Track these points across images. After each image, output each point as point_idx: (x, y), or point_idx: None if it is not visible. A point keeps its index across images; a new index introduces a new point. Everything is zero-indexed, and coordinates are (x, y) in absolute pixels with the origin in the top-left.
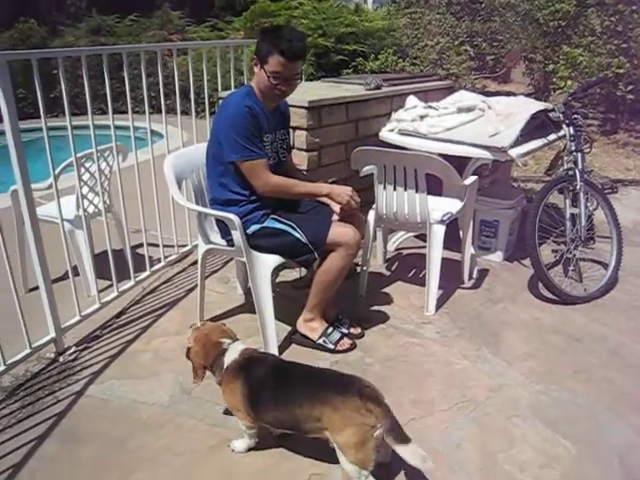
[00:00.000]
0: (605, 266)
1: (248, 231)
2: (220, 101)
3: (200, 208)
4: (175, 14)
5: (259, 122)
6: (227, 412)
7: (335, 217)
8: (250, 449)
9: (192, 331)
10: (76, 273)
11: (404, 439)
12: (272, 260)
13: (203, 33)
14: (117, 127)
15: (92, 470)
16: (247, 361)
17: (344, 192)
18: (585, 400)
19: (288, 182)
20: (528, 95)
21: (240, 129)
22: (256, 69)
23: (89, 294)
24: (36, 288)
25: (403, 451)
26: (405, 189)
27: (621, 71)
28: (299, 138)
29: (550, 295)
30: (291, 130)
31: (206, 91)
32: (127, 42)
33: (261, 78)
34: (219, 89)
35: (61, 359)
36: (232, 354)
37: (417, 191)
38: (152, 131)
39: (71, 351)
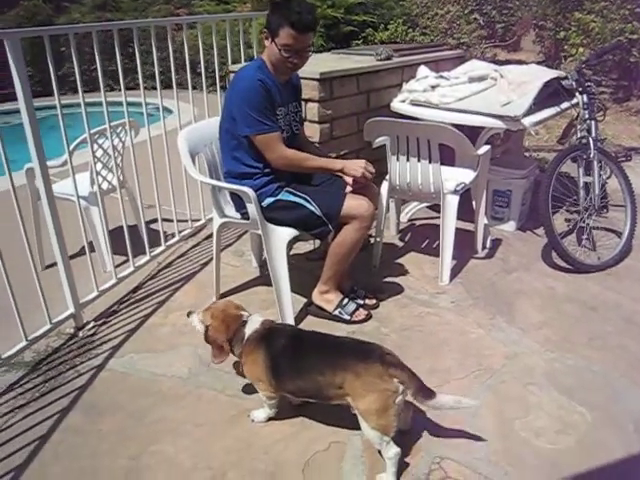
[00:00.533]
0: (619, 235)
1: (263, 204)
2: (231, 75)
3: (215, 182)
4: None
5: (272, 95)
6: (247, 384)
7: (349, 189)
8: (270, 419)
9: (202, 313)
10: (92, 249)
11: (431, 395)
12: (287, 233)
13: (209, 7)
14: (121, 104)
15: (114, 441)
16: (268, 331)
17: (358, 166)
18: (600, 367)
19: (302, 155)
20: (539, 63)
21: (253, 103)
22: (267, 42)
23: (105, 270)
24: (52, 265)
25: (437, 404)
26: (418, 160)
27: (635, 37)
28: (311, 110)
29: (564, 264)
30: (303, 102)
31: (216, 65)
32: (133, 17)
33: (272, 51)
34: (229, 62)
35: (80, 334)
36: (252, 325)
37: (430, 161)
38: (161, 107)
39: (90, 326)
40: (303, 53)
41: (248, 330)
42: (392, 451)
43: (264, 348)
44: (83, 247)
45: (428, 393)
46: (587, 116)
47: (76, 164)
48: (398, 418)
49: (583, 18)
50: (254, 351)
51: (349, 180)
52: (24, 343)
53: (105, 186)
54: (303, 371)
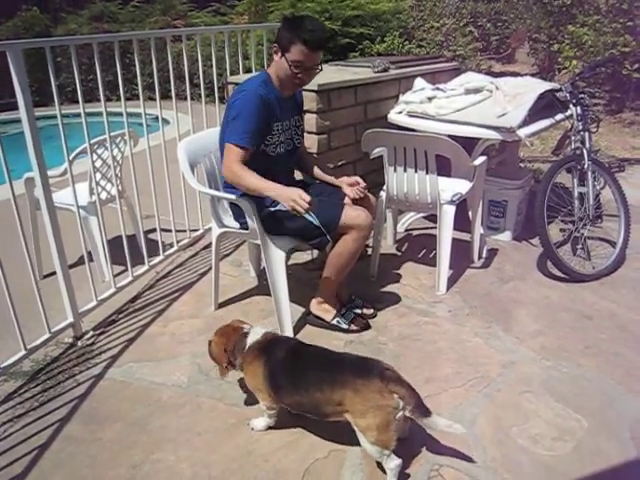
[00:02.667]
0: (613, 244)
1: (262, 214)
2: (230, 86)
3: (214, 192)
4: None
5: (270, 111)
6: (246, 393)
7: (347, 200)
8: (269, 427)
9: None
10: (90, 259)
11: (427, 413)
12: (286, 243)
13: (206, 18)
14: (120, 114)
15: (115, 450)
16: (269, 343)
17: (290, 199)
18: (596, 375)
19: (242, 173)
20: (533, 75)
21: (243, 113)
22: (276, 57)
23: (104, 279)
24: (50, 275)
25: (431, 424)
26: (415, 170)
27: (627, 50)
28: (309, 121)
29: (559, 273)
30: None
31: (215, 77)
32: (130, 28)
33: (281, 66)
34: (227, 74)
35: (79, 343)
36: (254, 336)
37: (427, 172)
38: (157, 118)
39: (89, 335)
40: (312, 70)
41: (249, 341)
42: (393, 463)
43: (264, 359)
44: (81, 257)
45: (425, 411)
46: (581, 127)
47: (74, 174)
48: (398, 432)
49: (576, 31)
50: (254, 362)
51: (348, 190)
52: (23, 352)
53: (104, 196)
54: (301, 387)
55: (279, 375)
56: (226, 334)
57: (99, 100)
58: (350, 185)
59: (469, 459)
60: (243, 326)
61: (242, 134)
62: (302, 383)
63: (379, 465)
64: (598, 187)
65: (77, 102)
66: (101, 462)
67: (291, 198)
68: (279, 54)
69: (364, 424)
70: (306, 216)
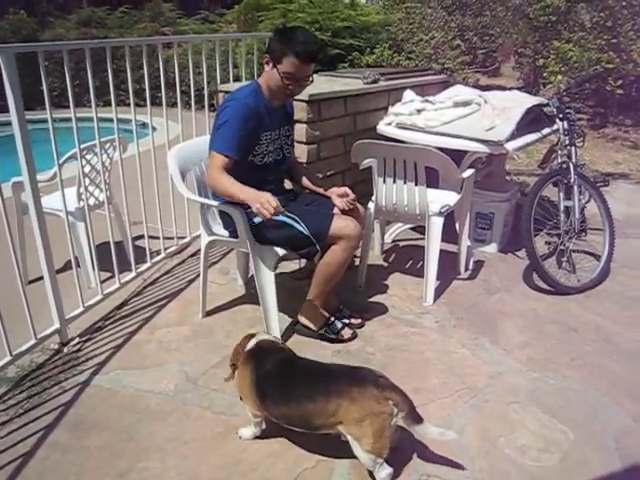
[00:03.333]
0: (598, 257)
1: (251, 223)
2: (220, 95)
3: (205, 200)
4: (166, 6)
5: (259, 120)
6: (233, 402)
7: (336, 210)
8: (257, 437)
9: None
10: (77, 265)
11: (419, 420)
12: (275, 252)
13: (194, 25)
14: (107, 120)
15: (101, 458)
16: (261, 350)
17: (256, 200)
18: (581, 387)
19: (225, 182)
20: (519, 89)
21: (229, 122)
22: (267, 67)
23: (90, 286)
24: (35, 280)
25: (422, 431)
26: (405, 182)
27: (610, 66)
28: (299, 131)
29: (545, 286)
30: None
31: (205, 84)
32: (118, 34)
33: (272, 77)
34: (218, 82)
35: (65, 350)
36: (254, 341)
37: (416, 184)
38: (145, 124)
39: (75, 342)
40: (303, 82)
41: (250, 344)
42: (385, 472)
43: (253, 365)
44: (67, 263)
45: (417, 418)
46: (567, 142)
47: (62, 179)
48: (391, 440)
49: (562, 47)
50: (244, 365)
51: (337, 202)
52: (8, 358)
53: (92, 202)
54: (291, 400)
55: (266, 385)
56: (247, 337)
57: (85, 105)
58: (339, 196)
59: (458, 468)
60: (255, 333)
61: (227, 142)
62: (293, 396)
63: (370, 475)
64: (583, 201)
65: (63, 107)
66: (88, 470)
67: (258, 201)
68: (270, 65)
69: (359, 433)
70: (296, 225)
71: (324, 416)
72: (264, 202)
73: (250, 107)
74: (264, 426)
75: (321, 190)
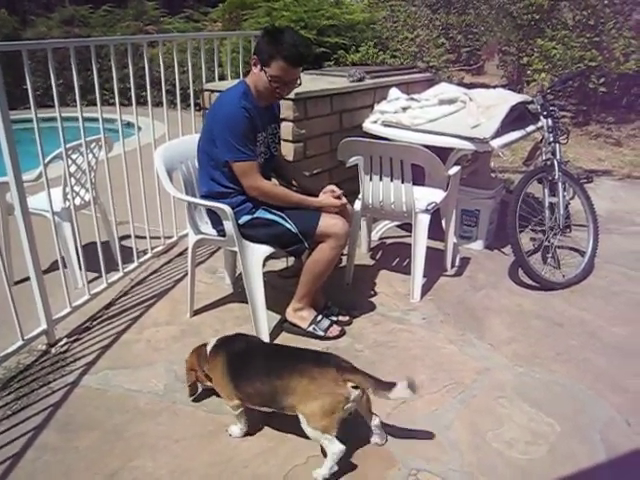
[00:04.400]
0: (582, 253)
1: (239, 221)
2: (205, 93)
3: (193, 199)
4: (150, 4)
5: (254, 123)
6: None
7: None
8: (247, 434)
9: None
10: (63, 265)
11: (390, 386)
12: (263, 250)
13: (178, 24)
14: (92, 119)
15: (91, 458)
16: (226, 339)
17: (334, 205)
18: (567, 380)
19: (279, 191)
20: (503, 87)
21: (235, 131)
22: (255, 69)
23: (77, 286)
24: (21, 281)
25: (394, 394)
26: (391, 179)
27: (593, 64)
28: (285, 129)
29: (530, 281)
30: None
31: (191, 84)
32: (102, 33)
33: (260, 79)
34: (204, 81)
35: (53, 351)
36: (211, 343)
37: (403, 181)
38: (129, 123)
39: (62, 342)
40: (291, 84)
41: (209, 348)
42: (337, 447)
43: (223, 352)
44: (53, 263)
45: (387, 386)
46: (552, 139)
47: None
48: (340, 423)
49: (545, 45)
50: (213, 360)
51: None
52: None
53: (78, 202)
54: (261, 373)
55: (240, 363)
56: (191, 356)
57: (68, 105)
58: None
59: (447, 462)
60: (206, 342)
61: (246, 148)
62: (264, 370)
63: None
64: (568, 197)
65: (46, 106)
66: (77, 471)
67: (336, 205)
68: (258, 67)
69: (309, 410)
70: (284, 223)
71: (287, 393)
72: (338, 203)
73: (247, 110)
74: (249, 423)
75: (310, 190)
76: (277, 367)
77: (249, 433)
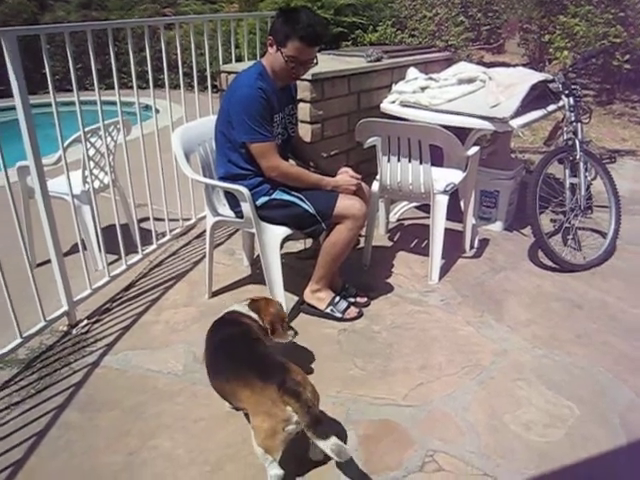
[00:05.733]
0: (604, 235)
1: (257, 203)
2: (222, 75)
3: (210, 181)
4: None
5: (271, 103)
6: None
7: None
8: None
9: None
10: (83, 248)
11: (325, 435)
12: (281, 231)
13: (195, 6)
14: (110, 103)
15: (112, 437)
16: (220, 321)
17: (350, 184)
18: (586, 363)
19: (295, 171)
20: (524, 66)
21: (252, 112)
22: (271, 49)
23: (97, 268)
24: (42, 264)
25: (322, 445)
26: (409, 160)
27: (618, 40)
28: (302, 110)
29: (550, 263)
30: None
31: (208, 66)
32: (119, 16)
33: (276, 59)
34: (220, 62)
35: (74, 332)
36: (226, 310)
37: (421, 162)
38: (147, 106)
39: (83, 324)
40: (308, 64)
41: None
42: (273, 472)
43: (209, 335)
44: (73, 246)
45: (322, 433)
46: (573, 118)
47: (67, 162)
48: (286, 444)
49: (568, 22)
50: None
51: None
52: (18, 340)
53: (97, 185)
54: (221, 373)
55: (214, 355)
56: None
57: (87, 89)
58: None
59: (464, 444)
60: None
61: (262, 129)
62: (223, 370)
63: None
64: (589, 178)
65: (65, 90)
66: (98, 449)
67: (352, 183)
68: (274, 47)
69: (254, 423)
70: (301, 204)
71: (238, 399)
72: (354, 182)
73: (264, 91)
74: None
75: (327, 172)
76: (227, 370)
77: None
